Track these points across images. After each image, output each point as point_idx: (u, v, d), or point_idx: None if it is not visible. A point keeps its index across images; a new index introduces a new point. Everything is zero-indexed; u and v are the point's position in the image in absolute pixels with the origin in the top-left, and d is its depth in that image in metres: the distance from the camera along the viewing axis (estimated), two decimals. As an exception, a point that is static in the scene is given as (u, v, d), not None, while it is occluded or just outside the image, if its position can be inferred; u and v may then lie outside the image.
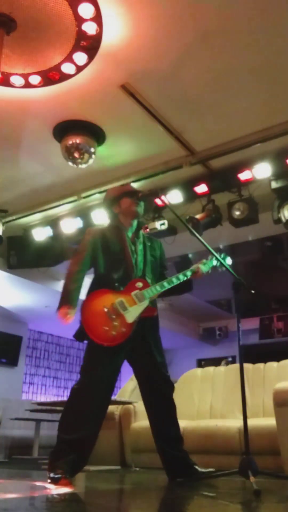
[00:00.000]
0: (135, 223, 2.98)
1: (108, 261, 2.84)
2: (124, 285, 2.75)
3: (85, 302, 2.75)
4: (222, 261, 2.86)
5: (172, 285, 2.81)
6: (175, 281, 2.83)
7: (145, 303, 2.74)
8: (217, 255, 2.87)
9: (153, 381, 2.81)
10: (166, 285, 2.80)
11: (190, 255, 5.94)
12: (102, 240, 2.89)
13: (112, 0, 2.86)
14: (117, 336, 2.64)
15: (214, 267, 3.04)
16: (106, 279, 2.79)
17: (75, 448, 2.51)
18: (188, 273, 2.90)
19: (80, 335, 2.74)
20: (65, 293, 2.78)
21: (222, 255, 3.01)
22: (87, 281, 2.86)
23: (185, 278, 2.88)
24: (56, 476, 2.40)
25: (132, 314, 2.69)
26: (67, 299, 2.75)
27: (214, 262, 3.03)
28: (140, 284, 2.77)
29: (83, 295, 2.82)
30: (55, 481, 2.38)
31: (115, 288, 2.74)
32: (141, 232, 3.02)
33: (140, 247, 2.92)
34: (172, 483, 2.71)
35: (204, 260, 3.04)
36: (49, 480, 2.41)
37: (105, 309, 2.68)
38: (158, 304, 2.90)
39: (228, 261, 3.09)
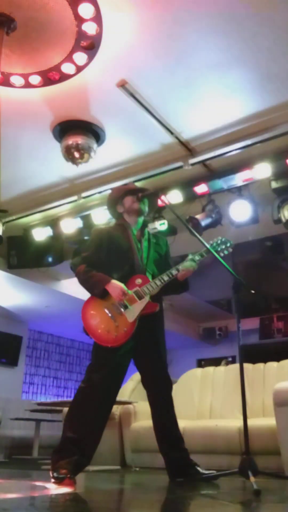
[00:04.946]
0: (140, 221, 3.00)
1: (113, 260, 2.84)
2: (125, 283, 2.75)
3: (86, 305, 2.78)
4: (220, 259, 2.83)
5: (168, 278, 2.75)
6: (170, 275, 2.75)
7: (146, 299, 2.73)
8: (216, 254, 2.85)
9: (154, 380, 2.82)
10: (166, 278, 2.74)
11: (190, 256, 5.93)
12: (108, 240, 2.90)
13: (112, 0, 2.87)
14: (119, 337, 2.66)
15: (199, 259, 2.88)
16: None
17: (79, 447, 2.50)
18: (180, 267, 2.79)
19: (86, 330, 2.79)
20: (94, 284, 2.75)
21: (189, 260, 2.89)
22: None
23: (177, 272, 2.78)
24: (60, 476, 2.38)
25: (132, 312, 2.70)
26: (101, 283, 2.71)
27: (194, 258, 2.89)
28: (139, 281, 2.77)
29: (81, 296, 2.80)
30: (59, 481, 2.37)
31: None
32: (146, 229, 3.04)
33: (145, 244, 2.94)
34: (172, 483, 2.71)
35: (190, 256, 2.90)
36: (52, 480, 2.40)
37: (106, 310, 2.71)
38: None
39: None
